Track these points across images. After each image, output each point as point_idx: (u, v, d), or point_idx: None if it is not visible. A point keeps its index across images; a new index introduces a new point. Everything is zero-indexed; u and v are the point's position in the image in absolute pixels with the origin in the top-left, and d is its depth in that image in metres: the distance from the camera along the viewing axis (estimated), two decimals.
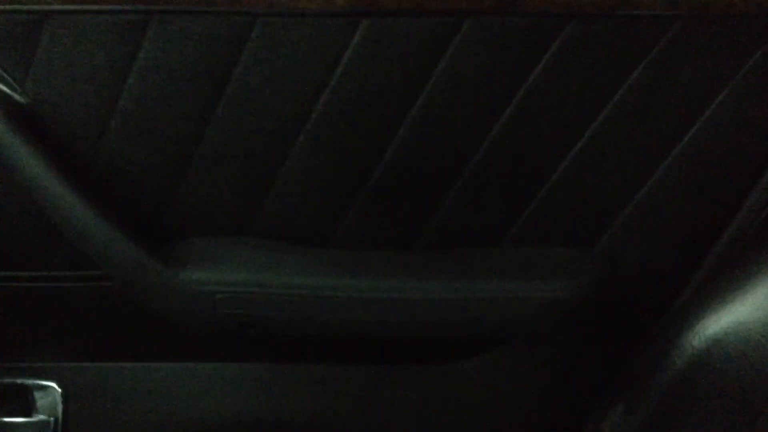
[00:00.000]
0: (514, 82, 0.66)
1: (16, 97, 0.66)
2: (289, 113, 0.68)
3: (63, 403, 0.80)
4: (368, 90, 0.67)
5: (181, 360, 0.80)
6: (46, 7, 0.64)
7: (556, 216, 0.73)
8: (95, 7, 0.64)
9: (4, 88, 0.66)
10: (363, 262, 0.74)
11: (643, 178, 0.70)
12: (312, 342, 0.79)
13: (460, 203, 0.72)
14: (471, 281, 0.72)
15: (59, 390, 0.80)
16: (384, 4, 0.63)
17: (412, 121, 0.68)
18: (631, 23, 0.64)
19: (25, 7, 0.64)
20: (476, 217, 0.73)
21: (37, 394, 0.81)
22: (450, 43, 0.64)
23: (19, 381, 0.81)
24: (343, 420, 0.82)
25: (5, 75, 0.66)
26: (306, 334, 0.76)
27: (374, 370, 0.80)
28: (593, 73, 0.66)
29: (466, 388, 0.81)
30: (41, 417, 0.80)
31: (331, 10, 0.63)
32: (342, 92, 0.66)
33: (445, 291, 0.73)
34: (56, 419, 0.80)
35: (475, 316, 0.73)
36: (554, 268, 0.73)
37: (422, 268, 0.74)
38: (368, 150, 0.70)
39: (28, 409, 0.81)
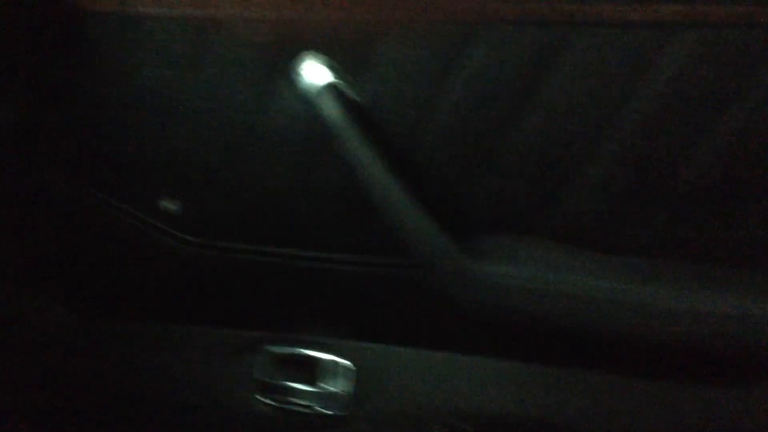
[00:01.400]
0: None
1: (353, 95, 0.75)
2: (597, 120, 0.70)
3: (354, 379, 0.88)
4: (694, 97, 0.67)
5: (464, 352, 0.84)
6: (382, 17, 0.72)
7: None
8: (430, 19, 0.71)
9: (344, 88, 0.74)
10: (656, 270, 0.74)
11: None
12: (596, 346, 0.80)
13: (756, 220, 0.70)
14: None
15: (352, 367, 0.88)
16: None
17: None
18: None
19: (364, 18, 0.72)
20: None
21: (330, 369, 0.89)
22: None
23: (315, 354, 0.89)
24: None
25: (346, 76, 0.74)
26: (593, 337, 0.77)
27: (655, 386, 0.80)
28: None
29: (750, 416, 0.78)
30: (332, 389, 0.88)
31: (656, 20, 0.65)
32: (653, 101, 0.68)
33: (741, 307, 0.71)
34: (346, 393, 0.88)
35: None
36: None
37: (718, 281, 0.73)
38: (673, 158, 0.70)
39: (319, 380, 0.89)
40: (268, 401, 0.89)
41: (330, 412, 0.88)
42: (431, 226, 0.74)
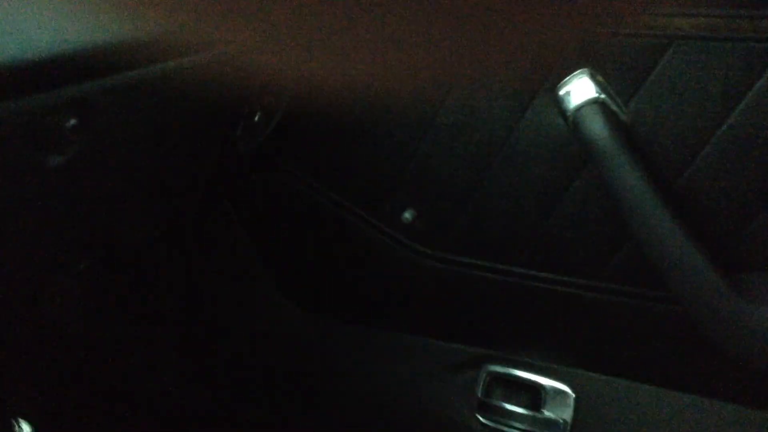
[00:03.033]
0: None
1: (621, 116, 0.70)
2: None
3: (574, 407, 0.83)
4: None
5: (703, 394, 0.78)
6: (677, 32, 0.66)
7: None
8: (725, 34, 0.65)
9: (613, 107, 0.70)
10: None
11: None
12: None
13: None
14: None
15: (572, 395, 0.84)
16: None
17: None
18: None
19: (654, 32, 0.67)
20: None
21: (551, 395, 0.85)
22: None
23: (536, 378, 0.86)
24: None
25: (615, 95, 0.70)
26: None
27: None
28: None
29: None
30: (552, 416, 0.84)
31: None
32: None
33: None
34: (566, 421, 0.84)
35: None
36: None
37: None
38: None
39: (538, 405, 0.85)
40: (488, 422, 0.86)
41: None
42: (699, 259, 0.68)
